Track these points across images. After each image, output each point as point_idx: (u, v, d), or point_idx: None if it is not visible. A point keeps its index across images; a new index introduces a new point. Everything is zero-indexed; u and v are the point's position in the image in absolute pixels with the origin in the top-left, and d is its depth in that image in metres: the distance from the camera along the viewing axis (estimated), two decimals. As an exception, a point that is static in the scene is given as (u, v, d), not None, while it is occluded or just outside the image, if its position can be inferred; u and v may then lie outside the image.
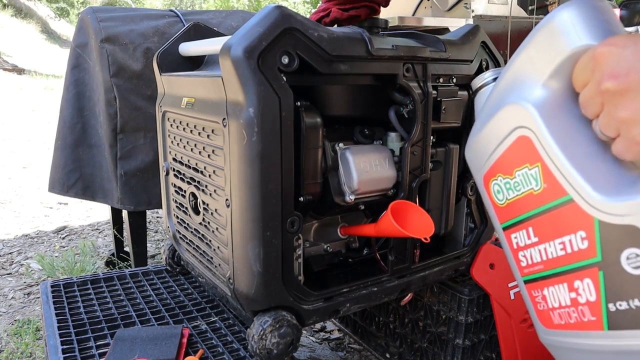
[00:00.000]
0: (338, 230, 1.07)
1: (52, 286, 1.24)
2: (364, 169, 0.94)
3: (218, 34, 1.19)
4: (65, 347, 0.98)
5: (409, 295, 1.18)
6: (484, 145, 0.59)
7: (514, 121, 0.54)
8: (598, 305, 0.54)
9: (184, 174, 1.10)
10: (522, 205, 0.57)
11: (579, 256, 0.53)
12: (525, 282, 0.63)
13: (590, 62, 0.47)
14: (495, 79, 0.64)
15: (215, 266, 1.00)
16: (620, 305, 0.51)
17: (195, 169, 1.03)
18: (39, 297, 1.97)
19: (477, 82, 0.66)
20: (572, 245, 0.53)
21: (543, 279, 0.60)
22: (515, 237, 0.61)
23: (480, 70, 1.10)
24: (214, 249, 0.99)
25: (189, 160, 1.06)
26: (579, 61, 0.49)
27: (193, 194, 1.07)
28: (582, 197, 0.50)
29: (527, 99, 0.53)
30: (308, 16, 0.87)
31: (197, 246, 1.09)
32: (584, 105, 0.49)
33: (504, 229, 0.63)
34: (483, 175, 0.61)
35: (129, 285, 1.28)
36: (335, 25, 1.07)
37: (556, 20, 0.51)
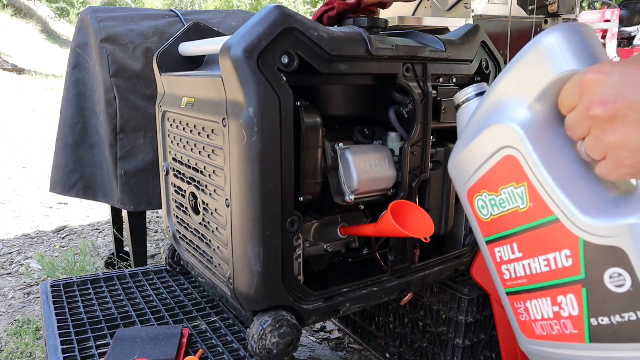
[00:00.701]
0: (338, 230, 1.07)
1: (52, 286, 1.24)
2: (364, 169, 0.94)
3: (218, 34, 1.19)
4: (65, 347, 0.98)
5: (409, 295, 1.18)
6: (469, 162, 0.60)
7: (500, 141, 0.56)
8: (580, 320, 0.56)
9: (184, 174, 1.10)
10: (507, 221, 0.58)
11: (563, 273, 0.55)
12: (508, 294, 0.65)
13: (577, 88, 0.49)
14: (478, 95, 0.65)
15: (215, 266, 1.00)
16: (602, 320, 0.53)
17: (195, 169, 1.03)
18: (39, 297, 1.97)
19: (459, 98, 0.67)
20: (556, 262, 0.55)
21: (526, 292, 0.61)
22: (499, 252, 0.62)
23: (480, 70, 1.10)
24: (214, 249, 0.99)
25: (189, 160, 1.06)
26: (565, 86, 0.51)
27: (193, 194, 1.07)
28: (568, 217, 0.52)
29: (514, 119, 0.54)
30: (308, 16, 0.87)
31: (197, 246, 1.09)
32: (571, 128, 0.51)
33: (488, 242, 0.64)
34: (467, 190, 0.62)
35: (129, 285, 1.28)
36: (336, 26, 1.07)
37: (543, 45, 0.52)
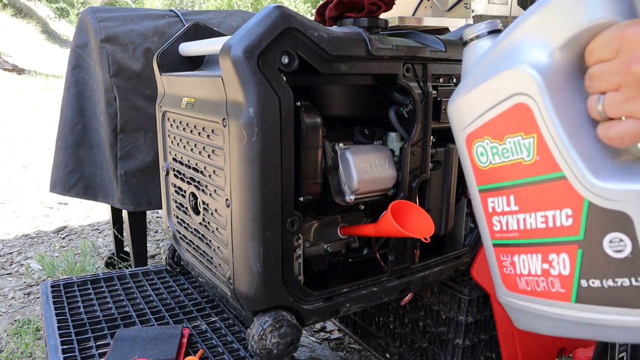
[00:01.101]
0: (338, 230, 1.07)
1: (52, 286, 1.24)
2: (364, 169, 0.94)
3: (218, 34, 1.19)
4: (65, 347, 0.98)
5: (409, 295, 1.18)
6: (474, 105, 0.57)
7: (514, 86, 0.52)
8: (570, 280, 0.55)
9: (184, 174, 1.10)
10: (507, 172, 0.56)
11: (560, 232, 0.54)
12: (495, 245, 0.63)
13: (615, 40, 0.46)
14: (490, 32, 0.61)
15: (215, 266, 1.00)
16: (593, 282, 0.53)
17: (195, 169, 1.03)
18: (39, 297, 1.97)
19: (469, 34, 0.62)
20: (554, 220, 0.53)
21: (515, 246, 0.60)
22: (492, 202, 0.61)
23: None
24: (214, 249, 0.99)
25: (189, 160, 1.06)
26: (600, 35, 0.48)
27: (193, 194, 1.07)
28: (576, 176, 0.50)
29: (533, 65, 0.51)
30: (308, 16, 0.87)
31: (197, 246, 1.09)
32: (594, 78, 0.48)
33: (481, 191, 0.62)
34: (467, 135, 0.59)
35: (129, 285, 1.28)
36: (336, 24, 1.07)
37: None
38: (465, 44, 0.63)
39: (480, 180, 0.60)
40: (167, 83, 1.14)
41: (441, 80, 1.03)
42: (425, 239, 0.89)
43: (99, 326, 1.07)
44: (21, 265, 2.29)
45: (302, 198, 0.90)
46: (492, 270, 0.67)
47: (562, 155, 0.51)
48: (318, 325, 1.70)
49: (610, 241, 0.50)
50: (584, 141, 0.50)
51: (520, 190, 0.55)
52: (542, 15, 0.51)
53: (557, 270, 0.56)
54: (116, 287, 1.27)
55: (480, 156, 0.58)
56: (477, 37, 0.61)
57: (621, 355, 0.79)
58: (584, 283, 0.54)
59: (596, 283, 0.53)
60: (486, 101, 0.55)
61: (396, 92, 0.99)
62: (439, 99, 1.02)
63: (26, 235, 2.68)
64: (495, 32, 0.61)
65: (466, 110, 0.58)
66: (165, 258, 1.31)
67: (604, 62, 0.47)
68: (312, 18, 0.98)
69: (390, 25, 1.09)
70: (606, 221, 0.50)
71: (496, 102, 0.54)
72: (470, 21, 2.86)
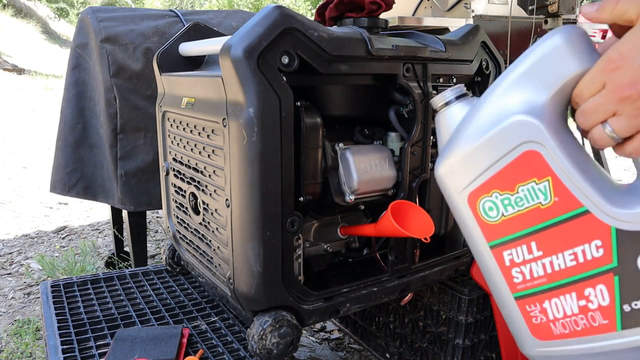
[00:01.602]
0: (338, 230, 1.07)
1: (52, 286, 1.24)
2: (364, 169, 0.94)
3: (218, 34, 1.19)
4: (65, 347, 0.98)
5: (409, 295, 1.18)
6: (473, 163, 0.58)
7: (520, 136, 0.55)
8: (611, 309, 0.55)
9: (184, 174, 1.10)
10: (524, 220, 0.57)
11: (592, 264, 0.54)
12: (518, 297, 0.63)
13: (599, 75, 0.52)
14: (457, 97, 0.63)
15: (215, 266, 1.00)
16: (635, 305, 0.54)
17: (195, 169, 1.03)
18: (39, 297, 1.97)
19: (438, 102, 0.64)
20: (584, 254, 0.54)
21: (544, 291, 0.60)
22: (510, 254, 0.60)
23: (480, 70, 1.10)
24: (214, 249, 1.00)
25: (189, 160, 1.06)
26: (584, 78, 0.53)
27: (193, 194, 1.07)
28: (599, 207, 0.52)
29: (533, 114, 0.54)
30: (309, 16, 0.87)
31: (197, 246, 1.09)
32: (590, 112, 0.52)
33: (493, 246, 0.62)
34: (469, 194, 0.60)
35: (129, 285, 1.28)
36: (336, 24, 1.07)
37: (554, 45, 0.54)
38: (435, 112, 0.64)
39: (490, 236, 0.59)
40: (167, 83, 1.14)
41: (441, 80, 1.03)
42: (425, 239, 0.89)
43: (99, 326, 1.07)
44: (21, 265, 2.29)
45: (302, 198, 0.90)
46: (514, 326, 0.65)
47: (581, 191, 0.53)
48: (318, 325, 1.70)
49: None
50: (593, 174, 0.54)
51: (542, 235, 0.56)
52: (527, 73, 0.55)
53: (595, 304, 0.56)
54: (116, 287, 1.27)
55: (489, 211, 0.58)
56: (447, 104, 0.63)
57: None
58: (626, 308, 0.54)
59: (639, 304, 0.54)
60: (489, 156, 0.56)
61: (396, 92, 0.99)
62: (439, 99, 1.02)
63: (26, 235, 2.68)
64: (462, 96, 0.63)
65: (464, 170, 0.59)
66: (165, 258, 1.31)
67: (595, 95, 0.52)
68: (312, 18, 0.98)
69: (390, 25, 1.09)
70: (636, 242, 0.52)
71: (501, 155, 0.56)
72: (470, 21, 2.87)
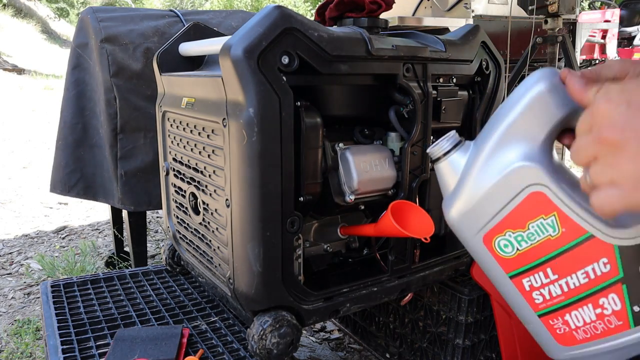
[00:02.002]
0: (338, 230, 1.07)
1: (52, 286, 1.24)
2: (364, 169, 0.94)
3: (218, 34, 1.19)
4: (65, 347, 0.98)
5: (409, 295, 1.18)
6: (484, 209, 0.64)
7: (523, 181, 0.61)
8: (624, 311, 0.63)
9: (184, 174, 1.10)
10: (537, 251, 0.63)
11: (603, 278, 0.62)
12: (541, 315, 0.70)
13: (588, 117, 0.52)
14: (454, 146, 0.68)
15: (215, 266, 1.00)
16: None
17: (195, 169, 1.03)
18: (39, 297, 1.97)
19: (436, 153, 0.69)
20: (594, 272, 0.62)
21: (564, 307, 0.67)
22: (529, 281, 0.67)
23: (480, 70, 1.10)
24: (214, 249, 1.00)
25: (189, 160, 1.06)
26: (579, 119, 0.54)
27: (193, 194, 1.07)
28: (601, 231, 0.60)
29: (532, 160, 0.61)
30: (308, 17, 0.87)
31: (197, 246, 1.09)
32: (576, 153, 0.54)
33: (513, 276, 0.69)
34: (484, 236, 0.66)
35: (129, 285, 1.28)
36: (336, 24, 1.07)
37: (538, 91, 0.59)
38: (435, 161, 0.69)
39: (508, 268, 0.66)
40: (167, 83, 1.14)
41: (441, 80, 1.03)
42: (425, 239, 0.89)
43: (99, 326, 1.07)
44: (21, 265, 2.29)
45: (302, 198, 0.90)
46: (541, 338, 0.73)
47: (584, 220, 0.60)
48: (318, 325, 1.70)
49: None
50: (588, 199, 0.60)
51: (556, 261, 0.63)
52: (517, 121, 0.61)
53: (610, 310, 0.64)
54: (116, 287, 1.27)
55: (505, 248, 0.65)
56: (445, 154, 0.68)
57: None
58: (636, 308, 0.63)
59: None
60: (497, 202, 0.63)
61: (396, 92, 0.99)
62: (439, 99, 1.02)
63: (26, 235, 2.68)
64: (458, 144, 0.68)
65: (476, 216, 0.65)
66: (165, 258, 1.31)
67: (582, 135, 0.53)
68: (312, 19, 0.98)
69: (390, 25, 1.09)
70: (636, 253, 0.60)
71: (509, 199, 0.62)
72: (470, 21, 2.86)
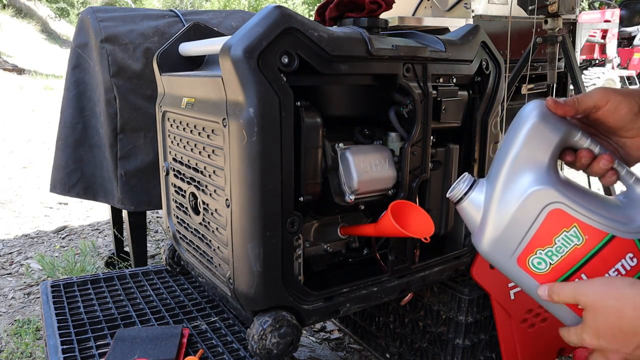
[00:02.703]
0: (338, 230, 1.07)
1: (52, 286, 1.24)
2: (364, 169, 0.94)
3: (218, 34, 1.19)
4: (65, 347, 0.98)
5: (409, 295, 1.18)
6: (512, 235, 0.69)
7: (541, 203, 0.67)
8: None
9: (184, 174, 1.10)
10: (569, 261, 0.68)
11: (634, 271, 0.67)
12: None
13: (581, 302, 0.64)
14: (470, 187, 0.74)
15: (215, 266, 1.00)
16: None
17: (195, 169, 1.03)
18: (39, 297, 1.97)
19: (457, 196, 0.75)
20: (624, 267, 0.66)
21: None
22: None
23: (480, 70, 1.10)
24: (214, 249, 1.00)
25: (189, 160, 1.06)
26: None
27: (193, 194, 1.07)
28: (619, 230, 0.65)
29: (543, 183, 0.67)
30: (308, 16, 0.87)
31: (197, 246, 1.09)
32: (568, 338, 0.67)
33: None
34: (517, 258, 0.70)
35: (129, 285, 1.28)
36: (336, 24, 1.07)
37: (533, 122, 0.67)
38: (457, 203, 0.75)
39: (546, 281, 0.70)
40: (167, 83, 1.14)
41: (441, 80, 1.03)
42: (425, 239, 0.89)
43: (99, 326, 1.07)
44: (21, 265, 2.29)
45: (302, 198, 0.90)
46: None
47: (601, 224, 0.66)
48: (318, 325, 1.70)
49: None
50: (602, 205, 0.67)
51: (587, 266, 0.67)
52: (520, 152, 0.68)
53: None
54: (116, 287, 1.27)
55: (539, 265, 0.69)
56: (465, 195, 0.74)
57: None
58: None
59: None
60: (522, 226, 0.68)
61: (396, 92, 0.99)
62: (439, 99, 1.02)
63: (26, 235, 2.68)
64: (473, 184, 0.74)
65: (505, 243, 0.70)
66: (165, 258, 1.31)
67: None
68: (312, 19, 0.98)
69: (390, 25, 1.09)
70: None
71: (532, 221, 0.68)
72: (470, 21, 2.86)
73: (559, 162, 0.70)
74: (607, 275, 0.67)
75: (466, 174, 0.75)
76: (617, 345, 0.61)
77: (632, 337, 0.60)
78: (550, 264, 0.69)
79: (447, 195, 0.77)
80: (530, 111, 0.68)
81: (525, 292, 0.74)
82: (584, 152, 0.68)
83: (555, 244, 0.68)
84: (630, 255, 0.66)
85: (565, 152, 0.70)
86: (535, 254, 0.69)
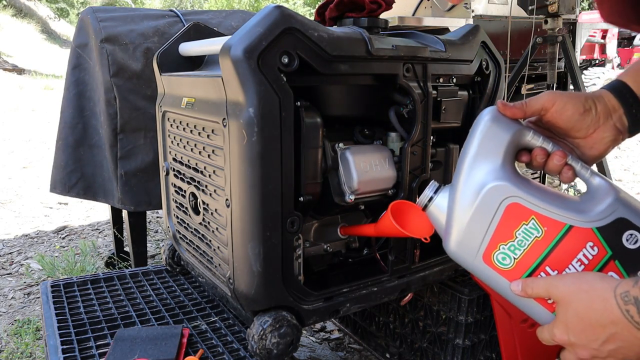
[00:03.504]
0: (338, 230, 1.07)
1: (52, 286, 1.24)
2: (364, 169, 0.94)
3: (218, 34, 1.19)
4: (65, 347, 0.98)
5: (409, 295, 1.18)
6: (473, 233, 0.71)
7: (499, 197, 0.69)
8: None
9: (184, 174, 1.10)
10: (531, 255, 0.69)
11: (596, 261, 0.67)
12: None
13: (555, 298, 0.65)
14: (436, 191, 0.77)
15: (215, 266, 1.00)
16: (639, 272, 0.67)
17: (195, 169, 1.03)
18: (39, 297, 1.97)
19: (423, 201, 0.78)
20: (586, 257, 0.67)
21: None
22: None
23: (480, 70, 1.10)
24: (214, 249, 1.00)
25: (189, 160, 1.06)
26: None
27: (193, 194, 1.07)
28: (576, 220, 0.67)
29: (498, 178, 0.69)
30: (308, 17, 0.87)
31: (197, 246, 1.09)
32: (542, 336, 0.70)
33: None
34: (482, 255, 0.71)
35: (129, 285, 1.28)
36: (336, 24, 1.07)
37: (487, 125, 0.71)
38: (424, 209, 0.78)
39: (513, 277, 0.71)
40: (167, 83, 1.14)
41: (441, 80, 1.03)
42: (425, 239, 0.89)
43: (99, 326, 1.07)
44: (21, 265, 2.29)
45: (302, 198, 0.90)
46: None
47: (559, 215, 0.67)
48: (318, 325, 1.70)
49: (627, 239, 0.66)
50: (558, 199, 0.69)
51: (550, 258, 0.68)
52: (476, 153, 0.71)
53: None
54: (116, 287, 1.27)
55: (503, 260, 0.71)
56: (430, 200, 0.77)
57: None
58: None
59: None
60: (483, 222, 0.70)
61: (396, 92, 0.99)
62: (439, 98, 1.02)
63: (26, 235, 2.68)
64: (438, 189, 0.77)
65: (469, 241, 0.72)
66: (165, 258, 1.31)
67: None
68: (312, 19, 0.98)
69: (390, 25, 1.09)
70: (615, 230, 0.66)
71: (491, 217, 0.70)
72: (470, 21, 2.86)
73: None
74: (570, 265, 0.68)
75: (432, 180, 0.79)
76: (585, 339, 0.62)
77: (600, 331, 0.60)
78: (514, 258, 0.70)
79: (417, 202, 0.80)
80: (484, 115, 0.72)
81: (497, 292, 0.74)
82: (538, 151, 0.70)
83: (517, 237, 0.69)
84: (591, 244, 0.67)
85: (521, 153, 0.72)
86: (499, 249, 0.70)
